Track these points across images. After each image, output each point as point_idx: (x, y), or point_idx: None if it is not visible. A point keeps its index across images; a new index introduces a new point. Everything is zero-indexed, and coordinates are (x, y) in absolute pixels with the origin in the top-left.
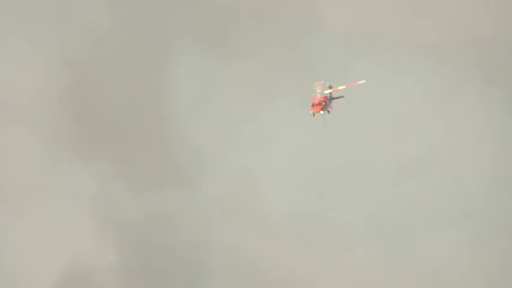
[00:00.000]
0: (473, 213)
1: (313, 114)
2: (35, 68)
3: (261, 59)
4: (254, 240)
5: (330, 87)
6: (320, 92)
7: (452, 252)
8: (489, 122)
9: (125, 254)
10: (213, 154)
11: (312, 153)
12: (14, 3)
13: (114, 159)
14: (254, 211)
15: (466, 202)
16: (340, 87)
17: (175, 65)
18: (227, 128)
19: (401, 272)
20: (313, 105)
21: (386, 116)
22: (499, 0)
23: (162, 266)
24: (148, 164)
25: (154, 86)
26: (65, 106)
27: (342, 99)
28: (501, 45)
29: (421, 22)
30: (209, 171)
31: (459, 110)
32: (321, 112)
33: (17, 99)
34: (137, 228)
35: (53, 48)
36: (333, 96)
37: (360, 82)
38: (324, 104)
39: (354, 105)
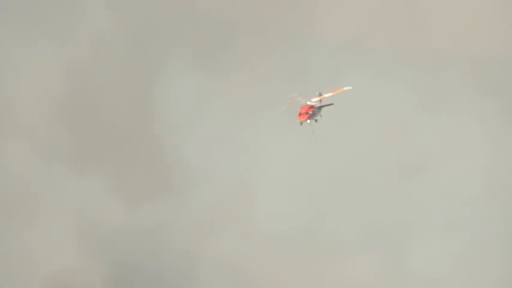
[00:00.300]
0: (468, 221)
1: (301, 123)
2: (30, 77)
3: (254, 70)
4: (246, 251)
5: (320, 94)
6: (311, 101)
7: (448, 260)
8: (483, 131)
9: (113, 266)
10: (205, 165)
11: (304, 163)
12: (9, 7)
13: (105, 169)
14: (246, 222)
15: (461, 210)
16: (327, 95)
17: (167, 76)
18: (219, 139)
19: (397, 282)
20: (300, 114)
21: (380, 125)
22: (495, 15)
23: (151, 278)
24: (139, 175)
25: (147, 97)
26: (60, 115)
27: (331, 106)
28: (495, 59)
29: (417, 35)
30: (200, 182)
31: (453, 120)
32: (308, 121)
33: (12, 107)
34: (126, 240)
35: (50, 56)
36: (322, 103)
37: (345, 88)
38: (310, 113)
39: (346, 114)
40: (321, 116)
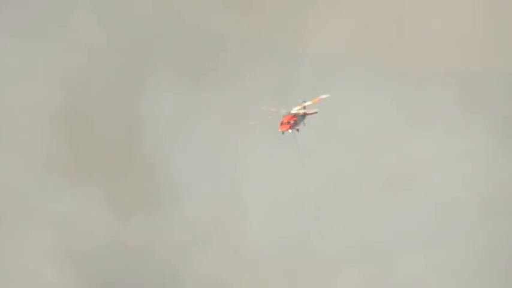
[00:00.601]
0: (455, 235)
1: (282, 133)
2: (25, 87)
3: (240, 85)
4: (233, 266)
5: (304, 102)
6: (297, 109)
7: (435, 274)
8: (471, 144)
9: (99, 280)
10: (192, 180)
11: (292, 178)
12: (3, 17)
13: (94, 184)
14: (233, 237)
15: (448, 224)
16: (307, 103)
17: (155, 91)
18: (206, 153)
19: None
20: (281, 124)
21: (367, 138)
22: (482, 30)
23: None
24: (127, 191)
25: (136, 112)
26: (51, 128)
27: (318, 118)
28: (481, 73)
29: (404, 49)
30: (188, 197)
31: (440, 133)
32: (289, 131)
33: (4, 118)
34: (113, 254)
35: (43, 69)
36: (307, 112)
37: (323, 96)
38: (292, 122)
39: (333, 128)
40: (304, 124)
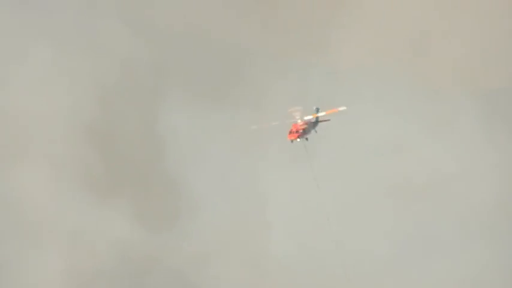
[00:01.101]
0: (471, 247)
1: (291, 141)
2: (57, 101)
3: (260, 101)
4: (252, 281)
5: (318, 110)
6: (299, 118)
7: (453, 284)
8: (490, 154)
9: None
10: (212, 197)
11: (308, 192)
12: (37, 25)
13: (115, 200)
14: (252, 252)
15: (470, 235)
16: (321, 114)
17: (176, 108)
18: (226, 171)
19: None
20: (290, 133)
21: (384, 151)
22: (506, 46)
23: None
24: (148, 206)
25: (159, 128)
26: (79, 141)
27: (328, 122)
28: (506, 90)
29: (422, 63)
30: (208, 213)
31: (459, 142)
32: (298, 140)
33: (36, 130)
34: (132, 269)
35: (70, 82)
36: (320, 119)
37: (340, 108)
38: (301, 131)
39: (351, 140)
40: (316, 131)
